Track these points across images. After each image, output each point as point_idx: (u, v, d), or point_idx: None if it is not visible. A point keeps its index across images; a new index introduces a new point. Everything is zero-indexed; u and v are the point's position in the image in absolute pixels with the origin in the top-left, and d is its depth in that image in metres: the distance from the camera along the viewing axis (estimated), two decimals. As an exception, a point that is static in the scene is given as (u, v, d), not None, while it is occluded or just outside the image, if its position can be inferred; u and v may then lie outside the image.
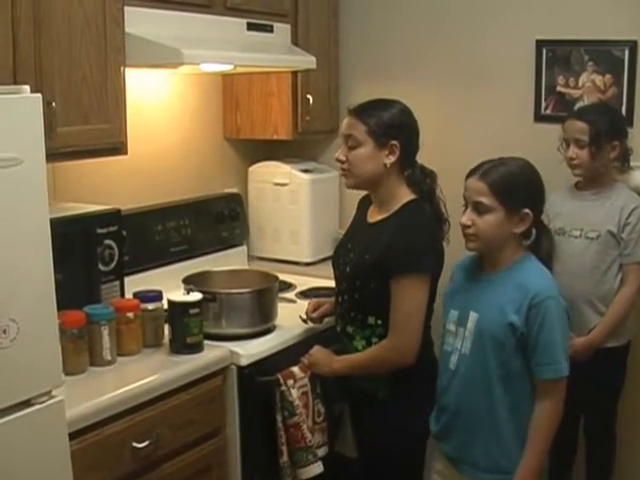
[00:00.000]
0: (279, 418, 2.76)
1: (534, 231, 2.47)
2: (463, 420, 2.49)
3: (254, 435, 2.78)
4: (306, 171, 3.77)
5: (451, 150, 2.79)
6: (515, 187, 2.40)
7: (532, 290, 2.36)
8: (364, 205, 2.85)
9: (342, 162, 2.69)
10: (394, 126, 2.61)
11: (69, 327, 2.41)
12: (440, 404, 2.59)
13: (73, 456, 2.16)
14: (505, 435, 2.42)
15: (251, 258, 3.82)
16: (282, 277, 3.22)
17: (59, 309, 2.34)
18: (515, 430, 2.41)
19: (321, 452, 2.86)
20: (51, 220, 2.23)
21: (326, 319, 2.99)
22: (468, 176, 2.47)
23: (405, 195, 2.67)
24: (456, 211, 2.75)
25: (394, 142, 2.61)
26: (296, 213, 3.73)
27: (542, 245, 2.49)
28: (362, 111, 2.65)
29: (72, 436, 2.18)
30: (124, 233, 3.05)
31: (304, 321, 2.99)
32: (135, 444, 2.38)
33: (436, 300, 2.71)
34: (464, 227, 2.44)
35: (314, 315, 2.99)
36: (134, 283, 2.97)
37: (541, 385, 2.38)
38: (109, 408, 2.31)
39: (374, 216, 2.75)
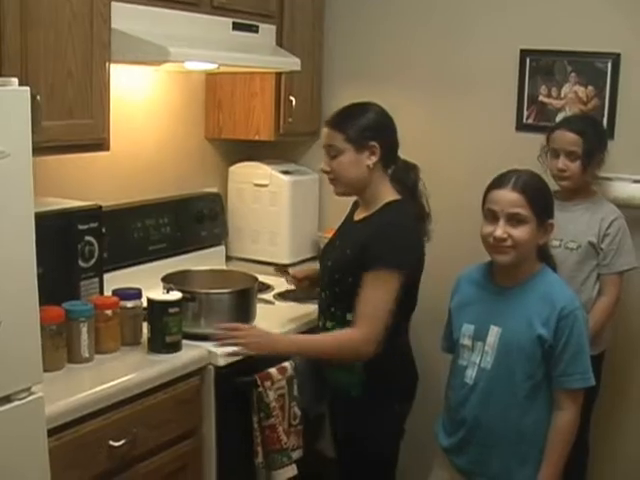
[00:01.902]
0: (255, 419, 2.75)
1: None
2: (482, 433, 2.50)
3: (230, 435, 2.77)
4: (287, 172, 3.76)
5: (433, 155, 2.81)
6: (545, 198, 2.46)
7: (560, 302, 2.41)
8: (355, 206, 2.90)
9: (327, 172, 2.75)
10: (371, 128, 2.67)
11: (48, 323, 2.38)
12: (456, 418, 2.58)
13: (50, 454, 2.14)
14: (528, 447, 2.46)
15: (229, 258, 3.80)
16: (260, 278, 3.22)
17: (44, 304, 2.34)
18: (537, 441, 2.44)
19: (296, 455, 2.87)
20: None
21: (306, 283, 3.03)
22: (494, 188, 2.47)
23: (388, 194, 2.72)
24: (438, 212, 2.80)
25: (373, 143, 2.66)
26: (276, 214, 3.72)
27: (551, 256, 2.55)
28: (338, 120, 2.71)
29: (49, 433, 2.15)
30: (103, 230, 3.05)
31: (283, 272, 3.02)
32: (112, 442, 2.37)
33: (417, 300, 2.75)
34: (499, 240, 2.43)
35: (298, 275, 3.01)
36: (113, 280, 2.95)
37: (564, 395, 2.42)
38: (86, 406, 2.30)
39: (360, 215, 2.80)
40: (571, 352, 2.39)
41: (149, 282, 2.91)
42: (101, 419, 2.35)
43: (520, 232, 2.40)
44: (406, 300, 2.69)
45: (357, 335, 2.58)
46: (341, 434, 2.86)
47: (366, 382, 2.70)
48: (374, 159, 2.67)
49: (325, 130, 2.76)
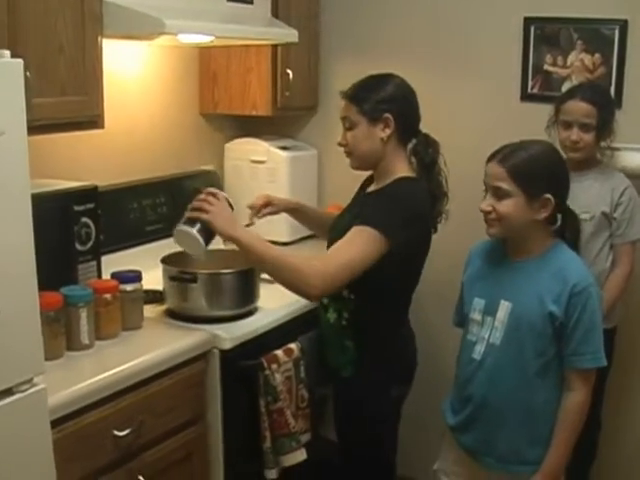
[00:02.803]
0: (262, 403, 2.67)
1: (559, 217, 2.41)
2: (489, 412, 2.44)
3: (236, 421, 2.68)
4: (284, 148, 3.68)
5: (436, 129, 2.71)
6: (535, 172, 2.34)
7: (572, 279, 2.32)
8: (365, 184, 2.83)
9: (343, 145, 2.68)
10: (385, 100, 2.59)
11: (45, 310, 2.27)
12: (462, 395, 2.52)
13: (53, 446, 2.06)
14: (538, 426, 2.38)
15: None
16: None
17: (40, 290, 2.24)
18: (547, 420, 2.37)
19: (304, 438, 2.79)
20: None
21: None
22: (488, 160, 2.40)
23: (402, 170, 2.63)
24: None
25: (387, 115, 2.58)
26: (274, 191, 3.44)
27: (567, 231, 2.44)
28: (353, 92, 2.64)
29: (51, 425, 2.06)
30: (99, 211, 2.95)
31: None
32: (116, 432, 2.28)
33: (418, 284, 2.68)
34: (484, 213, 2.39)
35: (258, 201, 2.89)
36: (110, 263, 2.85)
37: (575, 374, 2.35)
38: (88, 395, 2.20)
39: (371, 188, 2.74)
40: (583, 330, 2.31)
41: (148, 264, 2.82)
42: (104, 408, 2.26)
43: (502, 206, 2.34)
44: (403, 278, 2.62)
45: (317, 267, 2.43)
46: (337, 417, 2.80)
47: (357, 362, 2.64)
48: (388, 132, 2.59)
49: (343, 102, 2.68)
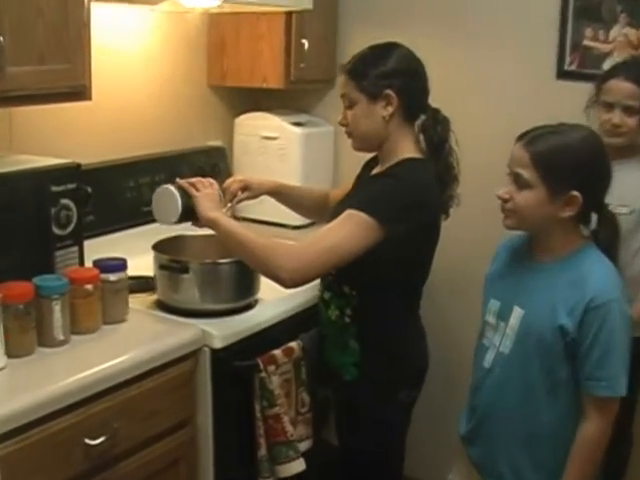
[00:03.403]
0: (257, 408, 2.43)
1: (594, 216, 2.13)
2: (491, 427, 2.20)
3: (229, 425, 2.45)
4: (298, 124, 3.43)
5: (460, 107, 2.46)
6: (564, 163, 2.03)
7: (590, 290, 2.02)
8: (370, 165, 2.57)
9: (344, 125, 2.45)
10: (387, 74, 2.34)
11: (13, 302, 2.05)
12: (471, 404, 2.29)
13: (10, 458, 1.85)
14: (541, 450, 2.11)
15: (234, 219, 3.45)
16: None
17: (4, 280, 2.03)
18: (553, 446, 2.10)
19: (304, 446, 2.56)
20: None
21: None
22: (516, 140, 2.12)
23: (407, 151, 2.38)
24: (464, 171, 2.45)
25: (388, 91, 2.33)
26: (285, 170, 3.37)
27: (601, 233, 2.13)
28: (352, 66, 2.40)
29: (10, 435, 1.85)
30: (89, 190, 2.74)
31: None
32: (88, 441, 2.04)
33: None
34: (501, 201, 2.11)
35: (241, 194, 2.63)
36: (100, 245, 2.65)
37: (590, 401, 2.06)
38: (57, 400, 1.96)
39: (375, 171, 2.50)
40: (599, 352, 2.01)
41: (143, 247, 2.59)
42: (75, 414, 2.01)
43: (521, 197, 2.07)
44: (408, 270, 2.39)
45: (294, 249, 2.23)
46: (339, 422, 2.59)
47: (361, 364, 2.42)
48: (390, 109, 2.35)
49: (341, 78, 2.45)
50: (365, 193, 2.36)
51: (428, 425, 2.90)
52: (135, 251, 2.62)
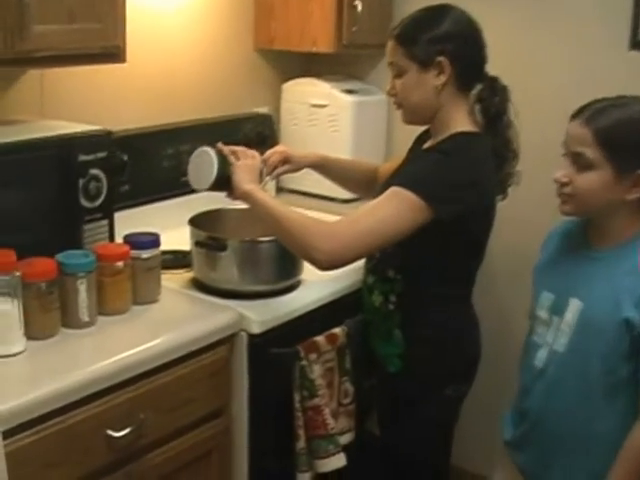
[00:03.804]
0: (297, 398, 2.26)
1: None
2: (544, 432, 2.01)
3: (265, 416, 2.28)
4: (350, 92, 3.22)
5: (518, 78, 2.24)
6: (630, 139, 1.82)
7: None
8: (422, 138, 2.37)
9: (393, 95, 2.26)
10: (437, 39, 2.13)
11: (35, 280, 1.90)
12: (520, 407, 2.11)
13: (26, 451, 1.70)
14: (599, 458, 1.91)
15: (280, 190, 3.28)
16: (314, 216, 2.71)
17: (28, 256, 1.87)
18: (612, 453, 1.89)
19: (345, 439, 2.39)
20: (17, 143, 1.83)
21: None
22: (571, 118, 1.91)
23: (460, 124, 2.18)
24: (531, 161, 2.24)
25: (440, 58, 2.12)
26: (335, 140, 3.18)
27: None
28: (401, 31, 2.20)
29: (25, 426, 1.70)
30: (124, 158, 2.58)
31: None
32: (111, 432, 1.88)
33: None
34: (558, 185, 1.90)
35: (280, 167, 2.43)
36: (135, 217, 2.53)
37: None
38: (79, 389, 1.80)
39: (426, 145, 2.30)
40: None
41: (181, 219, 2.42)
42: (98, 404, 1.86)
43: (582, 179, 1.87)
44: (459, 255, 2.19)
45: (331, 228, 2.05)
46: (381, 415, 2.43)
47: (406, 356, 2.24)
48: (442, 78, 2.14)
49: (389, 44, 2.24)
50: (413, 169, 2.16)
51: (475, 418, 2.71)
52: (172, 223, 2.50)
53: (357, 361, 2.40)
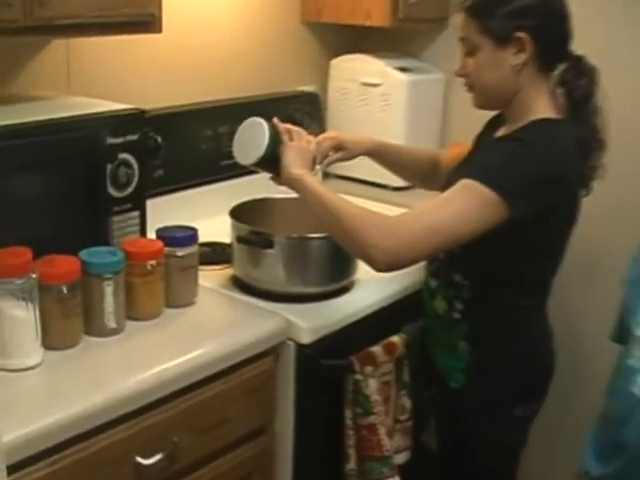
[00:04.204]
0: (348, 415, 2.00)
1: None
2: None
3: (313, 434, 2.02)
4: (404, 70, 2.95)
5: (609, 62, 1.96)
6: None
7: None
8: (494, 124, 2.10)
9: (463, 76, 1.98)
10: (517, 12, 1.86)
11: (54, 282, 1.65)
12: (614, 439, 1.85)
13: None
14: None
15: (327, 176, 3.02)
16: (364, 205, 2.45)
17: (46, 253, 1.62)
18: None
19: (400, 459, 2.14)
20: (36, 124, 1.62)
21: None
22: None
23: (541, 110, 1.90)
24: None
25: (520, 34, 1.85)
26: (388, 122, 2.93)
27: None
28: (473, 3, 1.91)
29: (40, 456, 1.46)
30: (159, 140, 2.35)
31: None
32: (140, 459, 1.64)
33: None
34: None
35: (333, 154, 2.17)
36: (170, 204, 2.32)
37: None
38: (103, 412, 1.55)
39: (500, 133, 2.02)
40: None
41: (220, 206, 2.19)
42: (126, 427, 1.61)
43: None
44: (536, 258, 1.93)
45: (389, 223, 1.78)
46: (441, 432, 2.18)
47: (471, 370, 1.99)
48: (522, 56, 1.87)
49: (460, 17, 1.97)
50: (487, 160, 1.88)
51: (541, 437, 2.45)
52: (210, 212, 2.28)
53: (416, 372, 2.14)
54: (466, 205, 1.76)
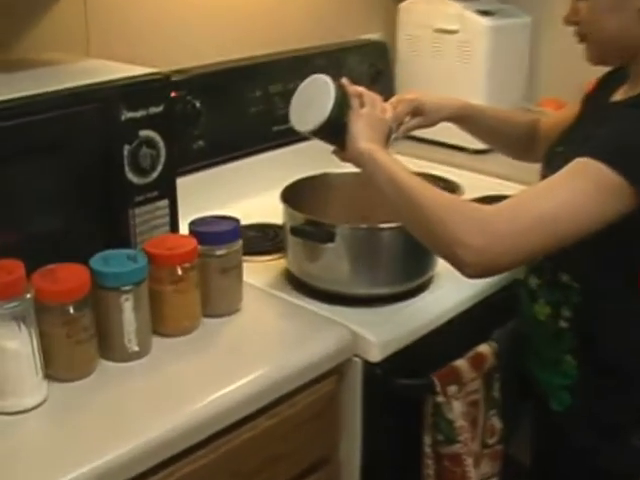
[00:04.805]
0: (427, 441, 1.66)
1: None
2: None
3: (383, 464, 1.69)
4: (486, 13, 2.59)
5: None
6: None
7: None
8: (609, 84, 1.71)
9: (574, 23, 1.61)
10: None
11: (57, 300, 1.31)
12: None
13: None
14: None
15: (398, 137, 2.67)
16: (441, 173, 2.11)
17: (46, 261, 1.31)
18: None
19: (487, 488, 1.78)
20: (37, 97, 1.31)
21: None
22: None
23: None
24: None
25: None
26: (467, 74, 2.60)
27: None
28: None
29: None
30: (197, 105, 2.01)
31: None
32: (170, 522, 1.31)
33: None
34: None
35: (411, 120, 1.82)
36: (212, 180, 2.05)
37: None
38: (125, 466, 1.22)
39: (622, 94, 1.64)
40: None
41: (269, 181, 1.90)
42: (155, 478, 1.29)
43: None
44: None
45: (485, 214, 1.40)
46: (538, 459, 1.85)
47: (579, 390, 1.64)
48: None
49: None
50: (607, 133, 1.48)
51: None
52: (260, 186, 2.01)
53: (507, 387, 1.78)
54: (583, 191, 1.38)
